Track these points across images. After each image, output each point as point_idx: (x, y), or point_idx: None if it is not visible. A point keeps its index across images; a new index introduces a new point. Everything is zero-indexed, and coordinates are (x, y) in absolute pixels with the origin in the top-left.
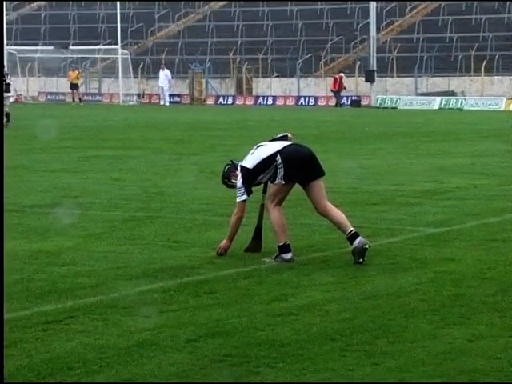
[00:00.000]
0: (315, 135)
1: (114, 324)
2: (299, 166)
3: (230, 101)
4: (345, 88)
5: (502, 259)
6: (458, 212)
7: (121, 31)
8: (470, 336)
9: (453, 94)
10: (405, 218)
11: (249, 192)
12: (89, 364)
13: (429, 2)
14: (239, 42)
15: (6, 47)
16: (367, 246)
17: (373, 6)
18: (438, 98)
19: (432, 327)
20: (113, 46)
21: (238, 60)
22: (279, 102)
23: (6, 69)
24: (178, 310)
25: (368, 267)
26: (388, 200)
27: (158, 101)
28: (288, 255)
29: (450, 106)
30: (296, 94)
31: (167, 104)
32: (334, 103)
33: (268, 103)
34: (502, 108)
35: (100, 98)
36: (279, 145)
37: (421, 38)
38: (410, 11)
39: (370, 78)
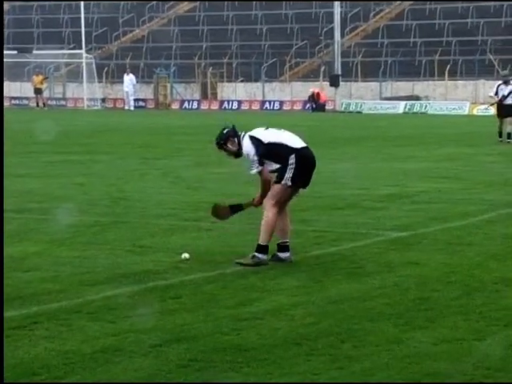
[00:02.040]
0: None
1: (78, 329)
2: (307, 172)
3: (195, 105)
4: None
5: (467, 263)
6: (423, 216)
7: (85, 35)
8: (434, 339)
9: (417, 98)
10: (369, 222)
11: (261, 163)
12: (53, 370)
13: (392, 7)
14: (204, 46)
15: None
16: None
17: (337, 10)
18: (403, 103)
19: (397, 331)
20: (77, 51)
21: (202, 64)
22: (244, 107)
23: None
24: (143, 315)
25: (333, 271)
26: (353, 204)
27: (122, 105)
28: (264, 256)
29: (415, 110)
30: (261, 99)
31: (132, 109)
32: (299, 107)
33: (233, 108)
34: (466, 112)
35: (64, 102)
36: (299, 143)
37: (385, 43)
38: (374, 16)
39: (334, 83)
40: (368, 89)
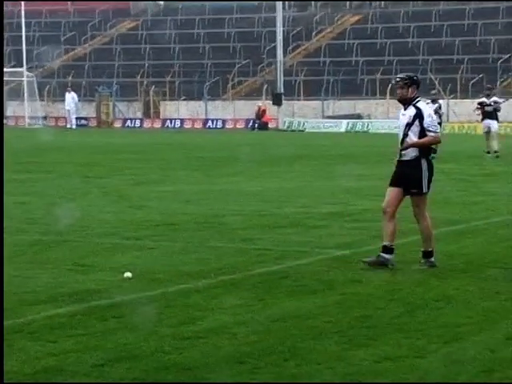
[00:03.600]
0: (224, 158)
1: (19, 349)
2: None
3: (138, 124)
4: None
5: (408, 280)
6: (365, 234)
7: (26, 54)
8: (376, 357)
9: (359, 117)
10: (312, 241)
11: None
12: None
13: (334, 26)
14: (146, 64)
15: None
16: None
17: (279, 29)
18: (345, 121)
19: (339, 349)
20: (18, 69)
21: (145, 83)
22: (187, 125)
23: None
24: (85, 335)
25: (276, 290)
26: (295, 222)
27: (64, 124)
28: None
29: (357, 128)
30: (204, 117)
31: (74, 127)
32: (242, 125)
33: (176, 126)
34: None
35: (5, 121)
36: None
37: (327, 62)
38: (316, 35)
39: (277, 101)
40: (310, 107)
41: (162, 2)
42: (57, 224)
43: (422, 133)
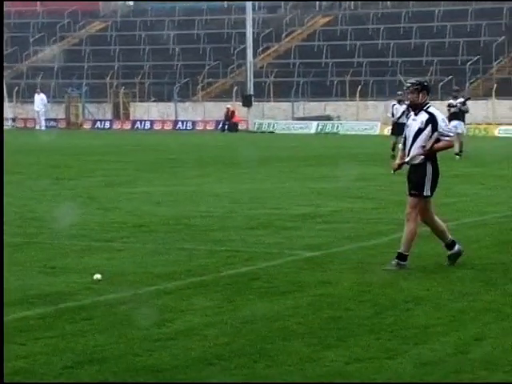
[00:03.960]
0: (194, 159)
1: None
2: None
3: (107, 125)
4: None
5: (378, 282)
6: (335, 235)
7: None
8: (346, 358)
9: (329, 118)
10: (282, 242)
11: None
12: None
13: (304, 28)
14: (116, 66)
15: None
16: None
17: (249, 31)
18: (315, 123)
19: (310, 350)
20: None
21: (115, 84)
22: (157, 127)
23: None
24: (54, 337)
25: (246, 291)
26: (266, 224)
27: (33, 125)
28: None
29: (327, 130)
30: (173, 119)
31: (43, 128)
32: (212, 127)
33: (145, 127)
34: (377, 132)
35: None
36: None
37: (297, 63)
38: (286, 36)
39: (247, 103)
40: (280, 109)
41: (131, 3)
42: (26, 226)
43: (431, 138)
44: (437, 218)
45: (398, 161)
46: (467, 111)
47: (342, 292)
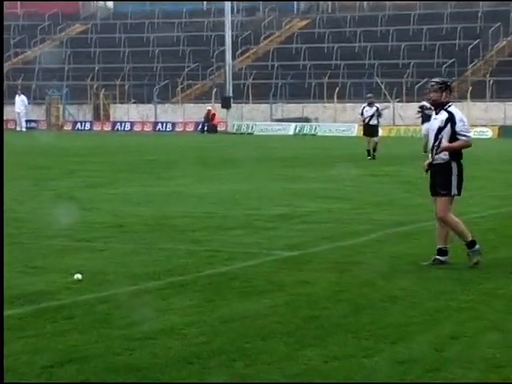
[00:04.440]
0: (173, 160)
1: None
2: None
3: (88, 126)
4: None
5: (355, 281)
6: (313, 235)
7: None
8: (324, 357)
9: (307, 120)
10: (261, 242)
11: None
12: None
13: (282, 31)
14: (96, 68)
15: None
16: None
17: (228, 33)
18: (293, 124)
19: (288, 349)
20: None
21: (95, 86)
22: (137, 128)
23: None
24: (34, 336)
25: (225, 291)
26: (244, 224)
27: (14, 126)
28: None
29: (305, 131)
30: (153, 120)
31: (24, 130)
32: (191, 128)
33: (125, 129)
34: (354, 134)
35: None
36: None
37: (275, 66)
38: (264, 39)
39: (226, 105)
40: (259, 110)
41: (111, 6)
42: (7, 226)
43: (453, 137)
44: (459, 223)
45: (427, 161)
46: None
47: (320, 291)
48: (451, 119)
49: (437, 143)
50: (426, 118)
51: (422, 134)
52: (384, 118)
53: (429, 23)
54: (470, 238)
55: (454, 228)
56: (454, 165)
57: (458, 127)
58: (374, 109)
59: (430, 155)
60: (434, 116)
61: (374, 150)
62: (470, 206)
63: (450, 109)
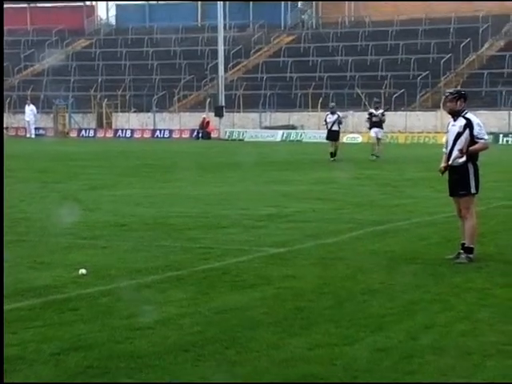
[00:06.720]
0: (171, 165)
1: None
2: None
3: (92, 134)
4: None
5: (338, 275)
6: (299, 234)
7: None
8: (309, 345)
9: (293, 127)
10: (251, 240)
11: None
12: None
13: (271, 45)
14: (100, 79)
15: None
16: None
17: (221, 48)
18: (280, 131)
19: (275, 338)
20: None
21: (98, 96)
22: (137, 135)
23: None
24: (43, 326)
25: (218, 284)
26: (236, 223)
27: (24, 133)
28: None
29: (291, 138)
30: (152, 128)
31: (33, 136)
32: (187, 135)
33: (126, 136)
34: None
35: None
36: None
37: (264, 78)
38: (254, 53)
39: (219, 113)
40: (249, 119)
41: (113, 23)
42: (16, 225)
43: (470, 141)
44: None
45: (443, 164)
46: (384, 121)
47: (305, 285)
48: (469, 125)
49: (456, 147)
50: (373, 124)
51: (371, 138)
52: (365, 126)
53: (405, 39)
54: (473, 245)
55: (469, 227)
56: (470, 166)
57: (476, 131)
58: (336, 116)
59: (444, 157)
60: (452, 123)
61: (335, 153)
62: (441, 207)
63: (467, 115)
